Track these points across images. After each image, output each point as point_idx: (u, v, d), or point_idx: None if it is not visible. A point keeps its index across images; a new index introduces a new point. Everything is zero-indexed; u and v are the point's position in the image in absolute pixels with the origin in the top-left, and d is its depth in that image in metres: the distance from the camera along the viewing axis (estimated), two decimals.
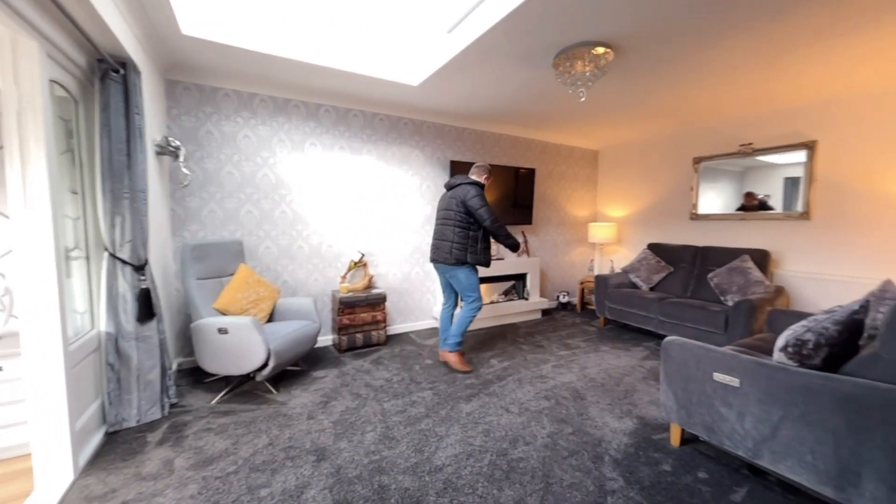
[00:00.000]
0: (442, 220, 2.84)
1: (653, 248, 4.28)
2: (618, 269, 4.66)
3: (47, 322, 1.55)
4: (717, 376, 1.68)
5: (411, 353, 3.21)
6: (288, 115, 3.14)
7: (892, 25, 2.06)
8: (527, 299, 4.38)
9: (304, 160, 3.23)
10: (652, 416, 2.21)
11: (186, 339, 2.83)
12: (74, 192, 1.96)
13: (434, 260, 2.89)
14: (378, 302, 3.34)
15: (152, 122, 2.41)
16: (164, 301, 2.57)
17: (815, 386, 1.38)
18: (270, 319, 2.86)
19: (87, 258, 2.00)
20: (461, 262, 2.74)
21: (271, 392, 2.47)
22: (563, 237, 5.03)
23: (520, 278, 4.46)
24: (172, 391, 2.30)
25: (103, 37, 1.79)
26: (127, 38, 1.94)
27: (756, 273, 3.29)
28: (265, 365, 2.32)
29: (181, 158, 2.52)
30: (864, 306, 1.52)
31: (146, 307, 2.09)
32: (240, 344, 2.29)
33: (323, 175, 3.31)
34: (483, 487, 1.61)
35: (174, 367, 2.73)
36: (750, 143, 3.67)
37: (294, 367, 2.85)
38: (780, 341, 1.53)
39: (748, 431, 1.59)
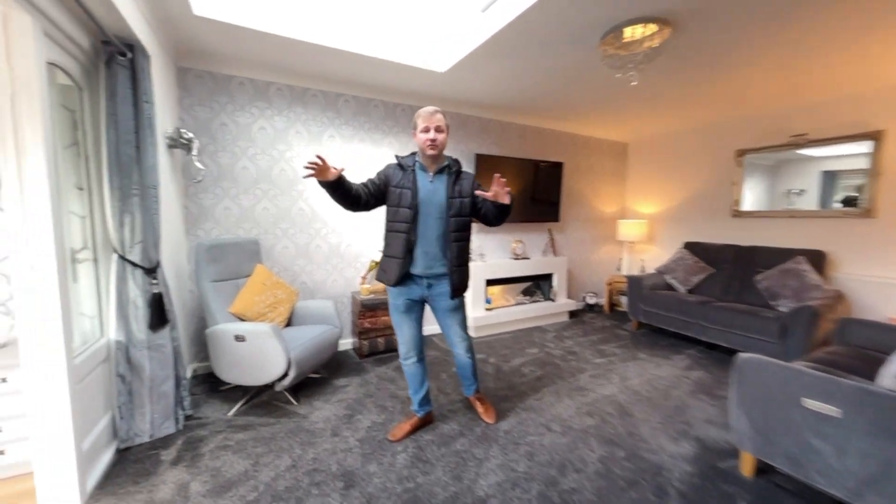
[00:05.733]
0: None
1: (690, 247, 4.00)
2: (650, 270, 4.40)
3: (49, 332, 1.39)
4: (809, 403, 1.44)
5: (437, 360, 3.02)
6: (305, 104, 2.95)
7: None
8: (553, 300, 4.15)
9: (323, 153, 3.04)
10: (712, 439, 1.98)
11: (202, 344, 2.68)
12: (80, 189, 1.79)
13: (405, 277, 1.83)
14: None
15: (164, 113, 2.23)
16: (179, 304, 2.41)
17: None
18: (289, 324, 2.69)
19: (96, 260, 1.84)
20: (463, 286, 1.92)
21: (291, 403, 2.31)
22: (590, 234, 4.77)
23: (545, 278, 4.23)
24: (187, 402, 2.15)
25: (108, 15, 1.60)
26: (135, 17, 1.76)
27: (813, 276, 3.01)
28: (285, 375, 2.15)
29: (194, 152, 2.34)
30: None
31: (158, 313, 1.93)
32: (258, 352, 2.12)
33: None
34: None
35: (189, 373, 2.59)
36: (804, 134, 3.36)
37: (315, 375, 2.68)
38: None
39: (849, 468, 1.36)
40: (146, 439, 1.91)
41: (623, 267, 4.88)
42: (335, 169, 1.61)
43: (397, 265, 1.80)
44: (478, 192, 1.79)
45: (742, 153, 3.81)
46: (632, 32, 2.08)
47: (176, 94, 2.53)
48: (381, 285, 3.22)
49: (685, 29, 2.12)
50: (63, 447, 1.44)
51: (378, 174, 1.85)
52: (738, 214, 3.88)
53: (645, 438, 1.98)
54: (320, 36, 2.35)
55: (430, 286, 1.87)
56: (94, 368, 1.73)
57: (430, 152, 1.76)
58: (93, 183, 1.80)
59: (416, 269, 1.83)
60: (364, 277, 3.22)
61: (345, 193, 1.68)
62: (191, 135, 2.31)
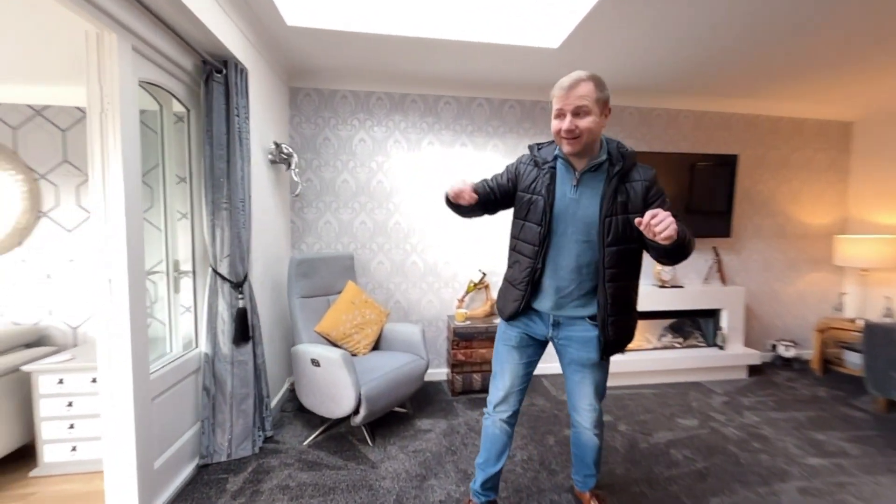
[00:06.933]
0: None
1: None
2: None
3: (119, 349, 1.37)
4: None
5: (544, 413, 2.36)
6: (405, 112, 2.76)
7: None
8: (722, 348, 2.96)
9: (421, 161, 2.79)
10: None
11: None
12: (183, 210, 1.88)
13: (526, 311, 1.33)
14: None
15: (269, 129, 2.30)
16: (277, 320, 2.43)
17: None
18: (377, 347, 2.46)
19: (194, 273, 1.90)
20: (621, 343, 1.28)
21: (366, 443, 2.01)
22: (784, 256, 3.33)
23: (707, 315, 3.07)
24: (269, 423, 2.07)
25: (200, 34, 1.62)
26: (229, 34, 1.77)
27: None
28: (357, 411, 1.87)
29: (293, 167, 2.35)
30: None
31: (242, 328, 1.88)
32: (330, 382, 1.90)
33: (441, 178, 2.80)
34: None
35: (286, 385, 2.60)
36: None
37: (399, 409, 2.36)
38: None
39: None
40: (223, 458, 1.85)
41: (847, 306, 3.24)
42: (469, 189, 1.22)
43: (516, 297, 1.31)
44: (636, 222, 1.04)
45: None
46: None
47: (287, 113, 2.64)
48: (479, 310, 2.76)
49: None
50: (125, 470, 1.40)
51: (507, 169, 1.37)
52: None
53: None
54: (415, 29, 2.10)
55: (556, 325, 1.31)
56: (183, 379, 1.74)
57: (567, 149, 1.18)
58: (194, 198, 1.87)
59: (541, 305, 1.30)
60: (461, 300, 2.81)
61: (477, 207, 1.33)
62: (290, 150, 2.32)
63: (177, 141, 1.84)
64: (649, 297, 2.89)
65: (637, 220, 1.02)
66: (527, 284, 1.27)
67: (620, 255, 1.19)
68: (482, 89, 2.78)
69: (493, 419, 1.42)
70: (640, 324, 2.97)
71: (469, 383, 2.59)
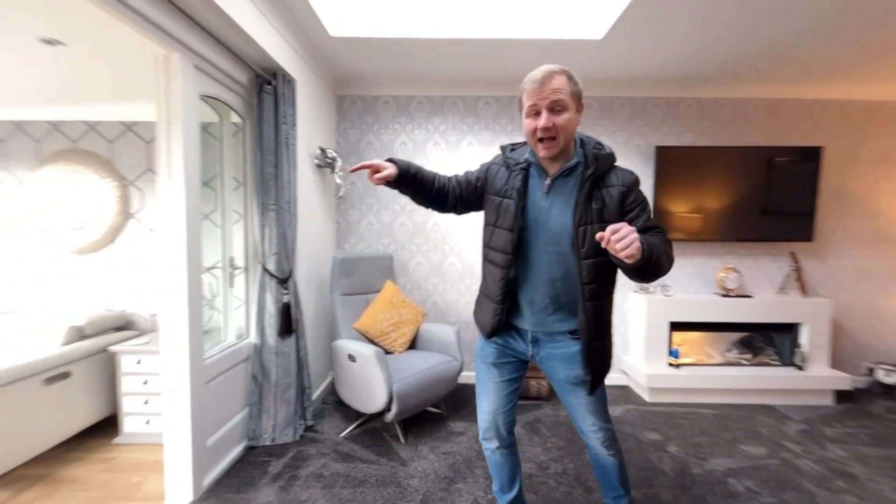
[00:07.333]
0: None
1: None
2: None
3: (177, 334, 1.53)
4: None
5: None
6: (444, 114, 2.78)
7: None
8: (801, 368, 2.58)
9: (461, 163, 2.79)
10: None
11: None
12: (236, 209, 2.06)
13: (505, 327, 1.22)
14: None
15: (316, 136, 2.44)
16: (321, 316, 2.56)
17: None
18: (413, 346, 2.50)
19: (247, 269, 2.07)
20: (602, 373, 1.16)
21: (398, 440, 2.05)
22: (885, 264, 2.84)
23: (784, 330, 2.70)
24: (310, 413, 2.18)
25: (253, 50, 1.76)
26: (277, 48, 1.91)
27: None
28: (388, 408, 1.91)
29: (337, 170, 2.47)
30: None
31: (286, 322, 2.01)
32: (365, 377, 1.97)
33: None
34: None
35: (329, 378, 2.73)
36: None
37: (433, 409, 2.37)
38: None
39: None
40: (268, 442, 1.99)
41: None
42: (385, 166, 1.10)
43: (496, 312, 1.18)
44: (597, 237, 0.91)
45: None
46: None
47: (334, 120, 2.78)
48: None
49: None
50: (182, 445, 1.55)
51: (479, 168, 1.25)
52: None
53: None
54: (453, 31, 2.11)
55: (535, 342, 1.20)
56: (234, 366, 1.90)
57: (545, 153, 1.05)
58: (248, 200, 2.04)
59: (519, 321, 1.20)
60: None
61: (417, 190, 1.18)
62: (334, 154, 2.44)
63: (234, 149, 2.02)
64: (710, 307, 2.61)
65: (598, 234, 0.89)
66: (503, 296, 1.16)
67: (599, 268, 1.05)
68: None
69: (489, 449, 1.32)
70: (700, 336, 2.73)
71: (525, 388, 2.52)
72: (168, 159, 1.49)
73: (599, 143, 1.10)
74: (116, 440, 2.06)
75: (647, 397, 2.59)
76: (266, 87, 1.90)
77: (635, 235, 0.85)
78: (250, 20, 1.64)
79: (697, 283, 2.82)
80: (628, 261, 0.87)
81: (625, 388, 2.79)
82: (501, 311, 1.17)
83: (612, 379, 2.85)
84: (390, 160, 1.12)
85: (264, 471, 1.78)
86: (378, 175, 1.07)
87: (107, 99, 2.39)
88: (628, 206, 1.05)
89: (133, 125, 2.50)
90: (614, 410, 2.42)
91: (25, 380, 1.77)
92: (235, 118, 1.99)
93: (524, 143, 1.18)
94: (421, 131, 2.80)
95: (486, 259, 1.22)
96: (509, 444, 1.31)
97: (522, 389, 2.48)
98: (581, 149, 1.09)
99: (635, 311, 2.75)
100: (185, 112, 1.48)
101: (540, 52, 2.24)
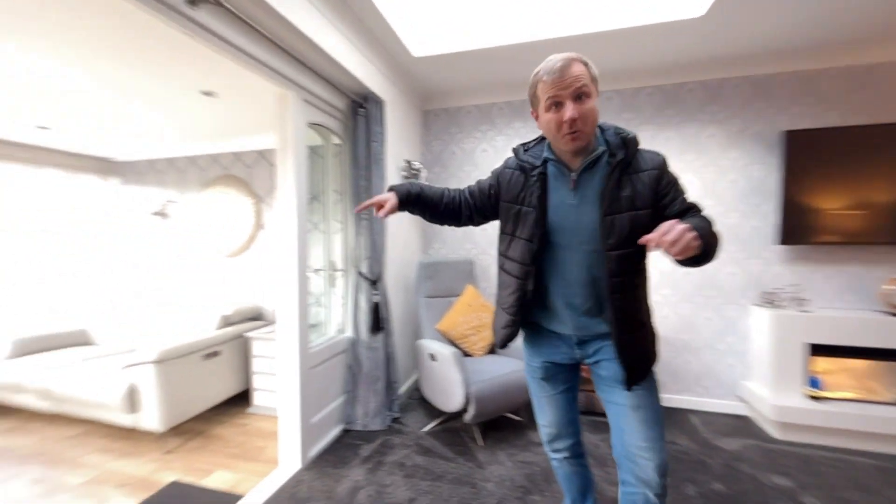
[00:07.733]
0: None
1: None
2: None
3: (289, 329, 1.82)
4: None
5: (686, 456, 1.96)
6: (525, 118, 2.76)
7: None
8: None
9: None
10: None
11: None
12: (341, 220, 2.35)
13: (548, 335, 1.16)
14: None
15: (403, 149, 2.65)
16: (408, 317, 2.76)
17: None
18: (493, 351, 2.52)
19: (346, 272, 2.35)
20: (644, 365, 1.04)
21: (476, 442, 2.08)
22: None
23: None
24: (396, 406, 2.36)
25: (348, 79, 2.01)
26: (368, 75, 2.14)
27: None
28: (465, 409, 1.97)
29: (421, 180, 2.64)
30: None
31: (375, 319, 2.22)
32: (444, 377, 2.06)
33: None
34: None
35: (415, 375, 2.90)
36: None
37: (513, 416, 2.35)
38: None
39: None
40: (360, 428, 2.21)
41: None
42: (386, 198, 1.11)
43: (506, 324, 1.14)
44: (642, 241, 0.86)
45: None
46: None
47: (420, 134, 2.98)
48: None
49: None
50: (293, 420, 1.84)
51: (491, 175, 1.17)
52: None
53: None
54: (532, 33, 2.10)
55: (582, 343, 1.10)
56: (334, 356, 2.17)
57: (573, 146, 0.97)
58: (347, 211, 2.32)
59: (559, 327, 1.12)
60: None
61: (425, 208, 1.17)
62: (419, 166, 2.62)
63: (336, 167, 2.32)
64: (875, 329, 2.06)
65: (643, 238, 0.84)
66: (517, 309, 1.10)
67: (627, 259, 0.97)
68: (609, 80, 2.53)
69: (556, 459, 1.26)
70: (862, 366, 2.18)
71: (590, 402, 2.37)
72: (283, 179, 1.80)
73: (620, 128, 1.02)
74: (249, 410, 2.53)
75: (774, 433, 2.15)
76: (359, 110, 2.15)
77: (683, 228, 0.81)
78: (344, 52, 1.88)
79: (849, 297, 2.24)
80: (684, 256, 0.83)
81: (743, 419, 2.36)
82: (514, 324, 1.13)
83: (727, 406, 2.44)
84: (390, 189, 1.14)
85: (356, 452, 1.99)
86: (382, 210, 1.09)
87: (247, 132, 2.97)
88: (663, 189, 0.98)
89: (264, 152, 3.05)
90: (728, 443, 2.07)
91: (191, 355, 2.30)
92: (336, 140, 2.30)
93: (539, 141, 1.11)
94: (502, 137, 2.82)
95: (501, 269, 1.17)
96: (577, 455, 1.25)
97: (588, 405, 2.33)
98: (602, 136, 1.02)
99: (757, 326, 2.31)
100: (296, 138, 1.78)
101: (629, 40, 2.08)
